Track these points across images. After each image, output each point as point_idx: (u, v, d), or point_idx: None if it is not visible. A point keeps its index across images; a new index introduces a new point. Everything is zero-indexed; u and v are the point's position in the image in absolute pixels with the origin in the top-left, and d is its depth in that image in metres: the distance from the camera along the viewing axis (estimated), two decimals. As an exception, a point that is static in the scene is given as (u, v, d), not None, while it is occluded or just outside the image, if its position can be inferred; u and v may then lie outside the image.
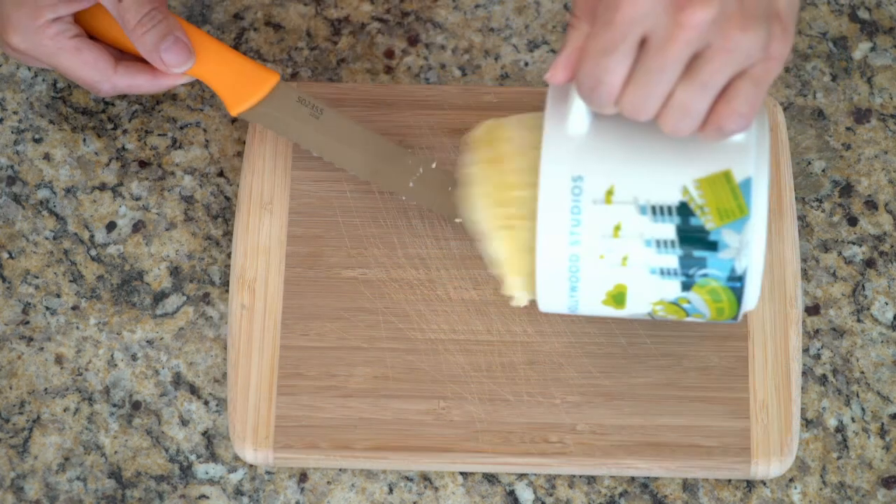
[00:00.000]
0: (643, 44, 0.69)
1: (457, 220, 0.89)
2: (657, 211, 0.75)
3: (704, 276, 0.76)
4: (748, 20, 0.68)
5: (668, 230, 0.75)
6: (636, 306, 0.78)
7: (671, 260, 0.75)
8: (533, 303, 0.84)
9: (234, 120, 0.96)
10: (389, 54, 0.97)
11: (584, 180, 0.75)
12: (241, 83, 0.88)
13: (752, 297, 0.77)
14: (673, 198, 0.75)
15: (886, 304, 0.91)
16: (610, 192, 0.75)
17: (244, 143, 0.95)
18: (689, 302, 0.77)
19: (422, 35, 0.98)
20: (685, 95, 0.69)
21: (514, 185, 0.80)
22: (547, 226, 0.76)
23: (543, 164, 0.76)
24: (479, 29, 0.98)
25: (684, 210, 0.75)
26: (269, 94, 0.88)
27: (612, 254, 0.76)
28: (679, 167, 0.75)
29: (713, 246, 0.75)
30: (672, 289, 0.77)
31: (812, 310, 0.91)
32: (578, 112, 0.75)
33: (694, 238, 0.75)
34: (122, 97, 0.96)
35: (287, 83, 0.91)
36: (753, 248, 0.75)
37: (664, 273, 0.76)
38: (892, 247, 0.93)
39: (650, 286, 0.77)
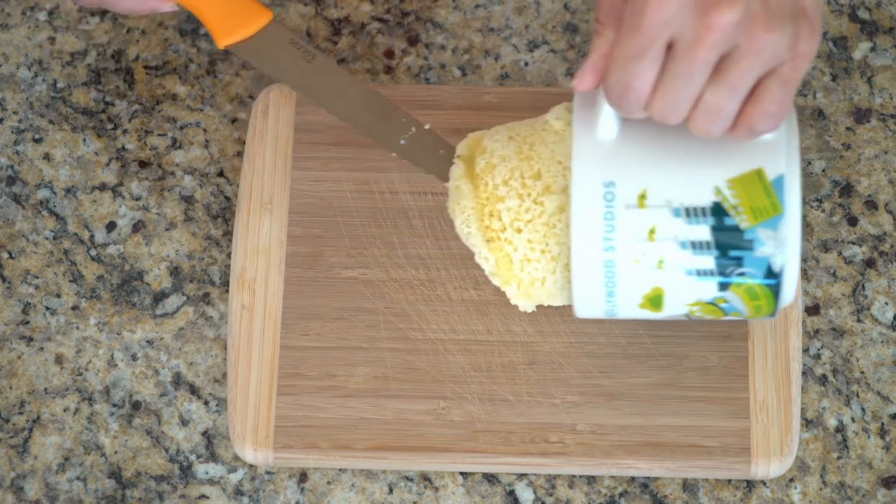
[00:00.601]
0: (670, 48, 0.69)
1: (446, 184, 0.89)
2: (691, 213, 0.75)
3: (741, 275, 0.76)
4: (774, 20, 0.68)
5: (703, 231, 0.75)
6: (673, 308, 0.78)
7: (707, 261, 0.75)
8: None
9: (233, 120, 0.96)
10: (389, 54, 0.97)
11: (616, 186, 0.75)
12: (232, 15, 0.86)
13: (789, 292, 0.77)
14: (706, 199, 0.75)
15: (886, 304, 0.91)
16: (643, 197, 0.75)
17: (244, 143, 0.95)
18: (726, 301, 0.77)
19: (422, 35, 0.98)
20: (714, 97, 0.70)
21: (496, 198, 0.80)
22: (581, 232, 0.76)
23: (575, 171, 0.76)
24: (479, 29, 0.98)
25: (718, 211, 0.74)
26: (261, 30, 0.87)
27: (648, 257, 0.76)
28: (711, 168, 0.75)
29: (749, 245, 0.75)
30: (709, 289, 0.77)
31: (812, 310, 0.91)
32: (607, 118, 0.75)
33: (729, 238, 0.75)
34: (123, 97, 0.96)
35: (280, 24, 0.89)
36: (789, 244, 0.75)
37: (700, 274, 0.76)
38: (892, 247, 0.93)
39: (687, 288, 0.77)
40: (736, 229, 0.75)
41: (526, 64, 0.97)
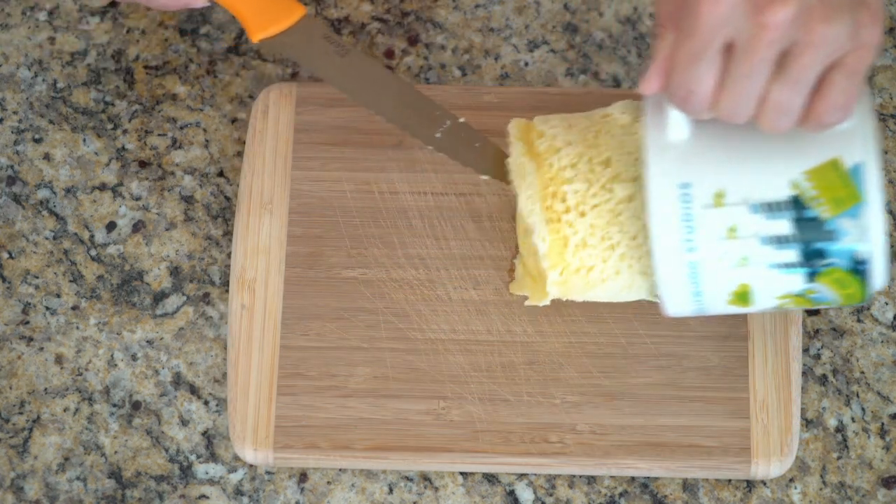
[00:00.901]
0: (729, 48, 0.69)
1: (483, 178, 0.89)
2: (770, 208, 0.74)
3: (827, 265, 0.75)
4: (831, 11, 0.67)
5: (784, 226, 0.74)
6: (763, 302, 0.78)
7: (791, 254, 0.75)
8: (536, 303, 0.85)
9: (233, 120, 0.96)
10: (389, 54, 0.97)
11: (692, 187, 0.75)
12: (265, 10, 0.86)
13: (879, 277, 0.76)
14: (784, 193, 0.74)
15: (886, 304, 0.91)
16: (720, 196, 0.75)
17: (244, 143, 0.95)
18: (815, 292, 0.77)
19: (422, 35, 0.98)
20: (779, 94, 0.69)
21: (562, 180, 0.80)
22: (661, 236, 0.76)
23: (649, 176, 0.75)
24: (479, 29, 0.98)
25: (797, 204, 0.74)
26: (294, 24, 0.87)
27: (731, 256, 0.75)
28: (786, 162, 0.74)
29: (831, 236, 0.74)
30: (796, 282, 0.76)
31: (812, 310, 0.91)
32: (677, 119, 0.75)
33: (811, 230, 0.74)
34: (123, 97, 0.96)
35: (314, 18, 0.89)
36: (873, 231, 0.74)
37: (786, 268, 0.75)
38: (892, 247, 0.93)
39: (774, 282, 0.76)
40: (817, 221, 0.74)
41: (526, 64, 0.97)
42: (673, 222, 0.75)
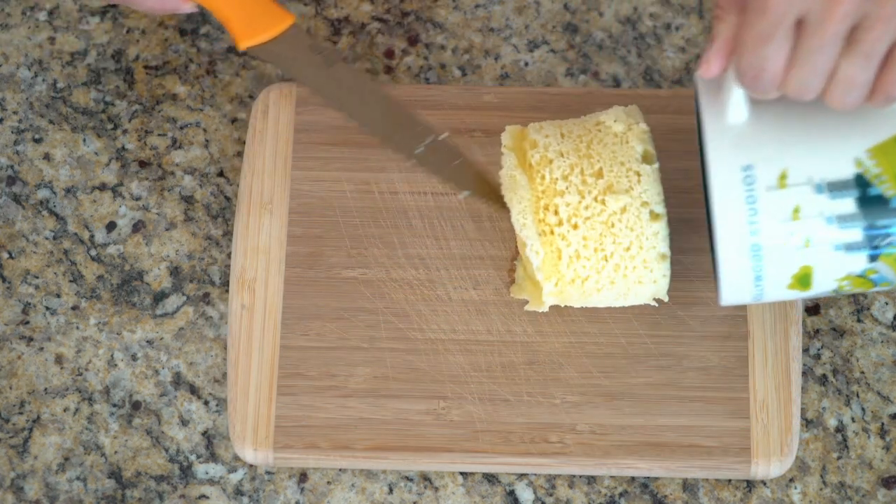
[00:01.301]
0: (799, 24, 0.69)
1: (461, 196, 0.89)
2: (834, 187, 0.74)
3: (890, 244, 0.75)
4: None
5: (848, 204, 0.74)
6: (822, 285, 0.77)
7: (855, 234, 0.75)
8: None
9: (233, 120, 0.96)
10: (389, 54, 0.97)
11: (754, 168, 0.74)
12: (253, 18, 0.86)
13: None
14: (847, 171, 0.74)
15: (886, 304, 0.91)
16: (783, 177, 0.74)
17: (244, 143, 0.95)
18: (876, 272, 0.76)
19: (422, 35, 0.98)
20: (849, 69, 0.70)
21: (554, 192, 0.81)
22: (725, 220, 0.75)
23: (711, 160, 0.75)
24: (479, 29, 0.98)
25: (861, 182, 0.74)
26: (281, 33, 0.87)
27: (794, 237, 0.75)
28: (848, 140, 0.74)
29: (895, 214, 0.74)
30: (858, 262, 0.76)
31: (812, 310, 0.91)
32: (737, 101, 0.74)
33: (875, 208, 0.74)
34: (123, 97, 0.96)
35: (302, 28, 0.89)
36: None
37: (849, 248, 0.75)
38: (892, 247, 0.93)
39: (836, 263, 0.76)
40: (881, 199, 0.74)
41: (526, 64, 0.97)
42: (737, 206, 0.75)
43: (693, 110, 0.89)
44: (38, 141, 0.96)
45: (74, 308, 0.92)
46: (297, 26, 0.87)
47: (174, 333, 0.91)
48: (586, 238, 0.82)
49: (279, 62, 0.87)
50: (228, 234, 0.94)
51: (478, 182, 0.87)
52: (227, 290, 0.92)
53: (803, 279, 0.77)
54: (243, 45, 0.86)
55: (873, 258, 0.75)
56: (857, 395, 0.90)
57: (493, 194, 0.87)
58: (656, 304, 0.87)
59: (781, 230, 0.75)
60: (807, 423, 0.89)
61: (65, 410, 0.90)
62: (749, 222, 0.75)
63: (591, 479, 0.88)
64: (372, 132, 0.87)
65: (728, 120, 0.75)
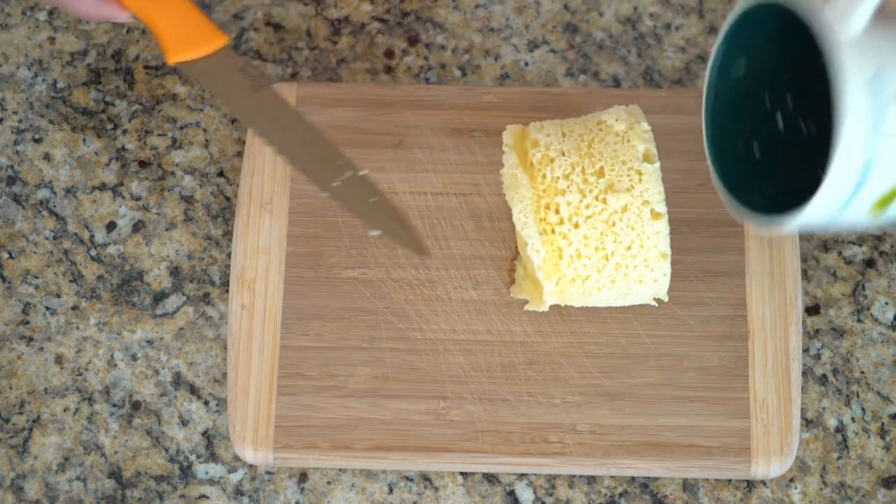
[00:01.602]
0: None
1: (372, 234, 0.90)
2: None
3: None
4: None
5: None
6: None
7: None
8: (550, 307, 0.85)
9: (233, 120, 0.96)
10: (389, 54, 0.97)
11: (882, 79, 0.71)
12: (185, 34, 0.86)
13: None
14: None
15: (886, 304, 0.91)
16: None
17: (244, 143, 0.95)
18: None
19: (422, 35, 0.98)
20: None
21: (555, 191, 0.81)
22: (850, 133, 0.71)
23: (840, 70, 0.71)
24: (479, 29, 0.98)
25: None
26: (212, 53, 0.87)
27: None
28: None
29: None
30: None
31: (812, 310, 0.91)
32: (866, 7, 0.71)
33: None
34: (123, 97, 0.96)
35: (233, 51, 0.89)
36: None
37: None
38: (892, 247, 0.93)
39: None
40: None
41: (526, 64, 0.97)
42: (862, 119, 0.71)
43: (694, 109, 0.89)
44: (38, 141, 0.96)
45: (74, 308, 0.92)
46: (229, 49, 0.87)
47: (174, 333, 0.91)
48: (587, 237, 0.82)
49: (206, 81, 0.87)
50: (228, 234, 0.94)
51: (393, 222, 0.87)
52: (227, 290, 0.92)
53: (889, 200, 0.74)
54: (172, 60, 0.86)
55: None
56: (857, 395, 0.90)
57: (407, 236, 0.87)
58: (656, 304, 0.87)
59: (893, 144, 0.72)
60: (807, 423, 0.89)
61: (65, 410, 0.90)
62: (869, 136, 0.72)
63: (591, 479, 0.88)
64: (291, 161, 0.87)
65: (853, 29, 0.72)
